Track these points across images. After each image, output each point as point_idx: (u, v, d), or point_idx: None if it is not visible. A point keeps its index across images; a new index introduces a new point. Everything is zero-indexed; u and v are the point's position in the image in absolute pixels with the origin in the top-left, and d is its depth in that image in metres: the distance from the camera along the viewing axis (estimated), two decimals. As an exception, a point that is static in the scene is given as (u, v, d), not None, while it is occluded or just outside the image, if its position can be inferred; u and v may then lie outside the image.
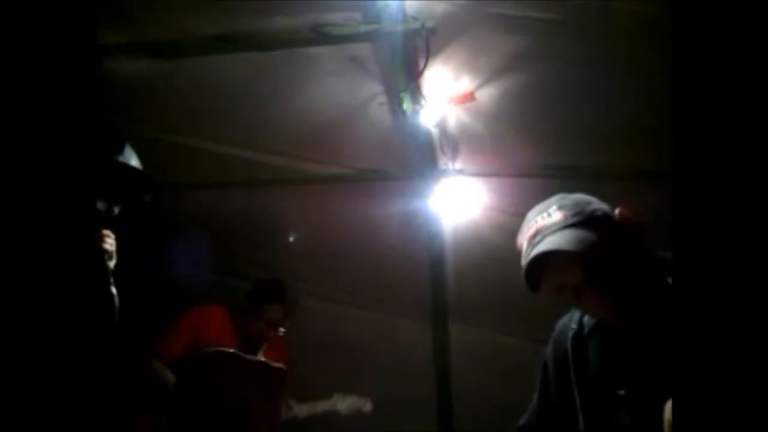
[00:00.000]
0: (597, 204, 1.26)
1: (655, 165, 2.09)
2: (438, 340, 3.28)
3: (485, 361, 3.17)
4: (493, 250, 2.67)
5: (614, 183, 2.36)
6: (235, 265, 3.22)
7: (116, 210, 1.66)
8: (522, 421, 1.49)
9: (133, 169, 1.66)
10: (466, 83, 2.18)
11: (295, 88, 2.27)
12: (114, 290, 1.63)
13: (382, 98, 2.27)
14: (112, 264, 1.64)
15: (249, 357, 2.54)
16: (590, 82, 2.10)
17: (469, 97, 2.22)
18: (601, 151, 2.39)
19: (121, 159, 1.65)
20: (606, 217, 1.24)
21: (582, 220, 1.21)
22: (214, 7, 1.90)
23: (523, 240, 1.26)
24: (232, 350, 2.51)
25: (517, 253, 1.27)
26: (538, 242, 1.20)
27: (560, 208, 1.24)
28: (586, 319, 1.35)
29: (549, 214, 1.23)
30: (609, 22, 1.89)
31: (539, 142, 2.43)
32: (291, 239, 3.12)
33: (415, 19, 1.90)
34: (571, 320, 1.38)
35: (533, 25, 1.92)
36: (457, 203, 2.68)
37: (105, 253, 1.61)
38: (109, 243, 1.62)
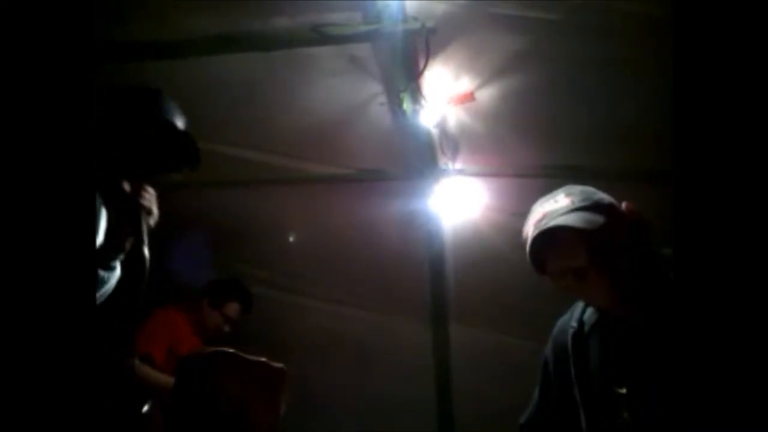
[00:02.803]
0: (603, 194, 1.28)
1: (655, 165, 2.08)
2: (438, 340, 3.28)
3: (485, 361, 3.17)
4: (493, 250, 2.68)
5: (614, 183, 2.35)
6: (235, 265, 3.22)
7: (153, 172, 1.48)
8: (523, 418, 1.49)
9: (173, 127, 1.46)
10: (466, 83, 2.18)
11: (295, 88, 2.27)
12: (147, 252, 1.48)
13: (382, 98, 2.27)
14: (152, 222, 1.49)
15: (249, 357, 2.54)
16: (590, 82, 2.10)
17: (469, 97, 2.22)
18: (601, 151, 2.39)
19: (164, 117, 1.45)
20: (612, 206, 1.25)
21: (589, 205, 1.22)
22: (214, 7, 1.90)
23: (528, 228, 1.26)
24: (232, 350, 2.52)
25: (523, 243, 1.28)
26: (545, 224, 1.21)
27: (568, 195, 1.25)
28: (586, 317, 1.35)
29: (556, 201, 1.25)
30: (609, 22, 1.89)
31: (539, 142, 2.43)
32: (291, 239, 3.12)
33: (415, 19, 1.90)
34: (571, 318, 1.38)
35: (533, 25, 1.92)
36: (457, 203, 2.68)
37: (142, 209, 1.45)
38: (147, 198, 1.46)
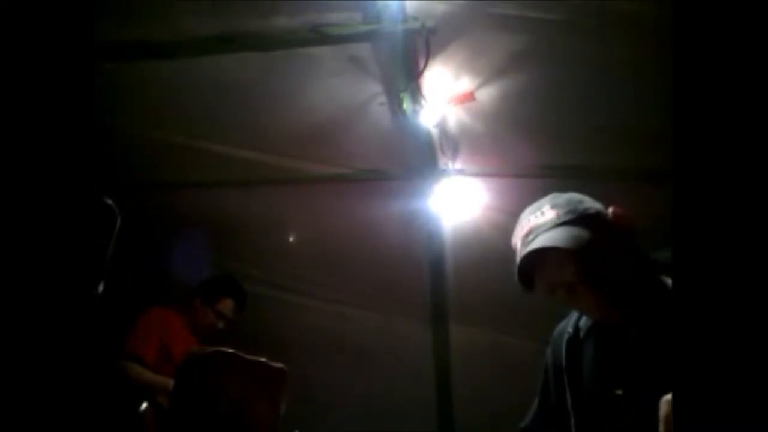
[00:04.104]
0: (590, 203, 1.26)
1: (655, 165, 2.09)
2: (438, 340, 3.28)
3: (485, 361, 3.17)
4: (493, 250, 2.66)
5: (614, 183, 2.36)
6: (235, 265, 3.22)
7: None
8: (523, 423, 1.49)
9: None
10: (466, 83, 2.19)
11: (295, 88, 2.27)
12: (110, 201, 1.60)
13: (382, 98, 2.27)
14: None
15: (249, 357, 2.54)
16: (590, 82, 2.10)
17: (469, 97, 2.22)
18: (601, 151, 2.39)
19: None
20: (599, 216, 1.23)
21: (575, 218, 1.20)
22: (214, 7, 1.90)
23: (516, 240, 1.26)
24: (232, 350, 2.52)
25: (512, 252, 1.27)
26: (531, 241, 1.20)
27: (553, 207, 1.23)
28: (582, 322, 1.34)
29: (542, 213, 1.23)
30: (609, 22, 1.89)
31: (539, 142, 2.43)
32: (291, 239, 3.12)
33: (415, 19, 1.90)
34: (568, 324, 1.38)
35: (533, 25, 1.92)
36: (457, 203, 2.68)
37: None
38: None
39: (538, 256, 1.19)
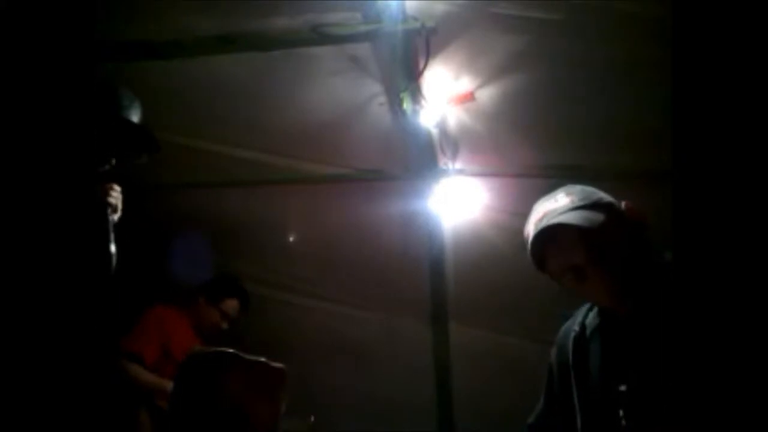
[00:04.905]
0: (603, 194, 1.28)
1: (655, 165, 2.09)
2: (438, 340, 3.28)
3: (485, 361, 3.17)
4: (493, 250, 2.68)
5: (614, 183, 2.35)
6: (235, 265, 3.22)
7: (112, 163, 1.63)
8: (530, 420, 1.49)
9: (128, 122, 1.63)
10: (466, 83, 2.19)
11: (295, 88, 2.27)
12: (113, 248, 1.61)
13: (382, 98, 2.27)
14: (115, 217, 1.62)
15: (249, 357, 2.54)
16: (590, 82, 2.10)
17: (469, 97, 2.22)
18: (601, 151, 2.39)
19: (120, 113, 1.62)
20: (612, 205, 1.26)
21: (589, 204, 1.23)
22: (214, 7, 1.91)
23: (529, 227, 1.27)
24: (232, 350, 2.52)
25: (524, 242, 1.28)
26: (545, 223, 1.21)
27: (568, 194, 1.26)
28: (588, 321, 1.35)
29: (556, 200, 1.25)
30: (609, 22, 1.89)
31: (539, 142, 2.43)
32: (291, 239, 3.12)
33: (415, 19, 1.90)
34: (573, 323, 1.38)
35: (533, 25, 1.92)
36: (457, 203, 2.68)
37: (109, 206, 1.58)
38: (114, 196, 1.60)
39: (551, 236, 1.20)
